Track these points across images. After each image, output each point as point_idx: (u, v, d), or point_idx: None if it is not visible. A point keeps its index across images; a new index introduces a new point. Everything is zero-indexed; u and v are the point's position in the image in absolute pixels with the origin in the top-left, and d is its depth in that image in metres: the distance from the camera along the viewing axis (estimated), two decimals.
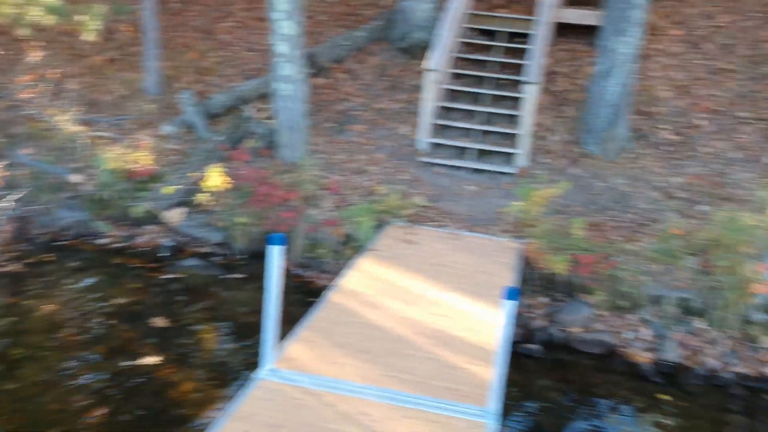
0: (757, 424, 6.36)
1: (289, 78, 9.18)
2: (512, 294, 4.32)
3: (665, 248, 7.91)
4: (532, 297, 7.88)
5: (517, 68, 10.98)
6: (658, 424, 6.15)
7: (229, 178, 8.59)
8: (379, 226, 8.30)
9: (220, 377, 6.19)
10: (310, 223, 8.33)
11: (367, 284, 6.52)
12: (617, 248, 7.98)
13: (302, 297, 7.81)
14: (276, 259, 4.42)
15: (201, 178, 8.78)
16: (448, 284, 6.68)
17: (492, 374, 4.55)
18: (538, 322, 7.55)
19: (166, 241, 8.76)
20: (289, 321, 6.71)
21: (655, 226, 8.58)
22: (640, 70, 11.03)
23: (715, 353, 7.26)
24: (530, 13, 11.54)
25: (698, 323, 7.53)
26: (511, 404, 6.25)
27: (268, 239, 4.63)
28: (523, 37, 11.24)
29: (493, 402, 4.57)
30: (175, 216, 8.61)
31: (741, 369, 7.10)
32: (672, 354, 7.20)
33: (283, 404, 4.49)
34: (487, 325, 5.90)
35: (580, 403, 6.36)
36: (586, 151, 10.02)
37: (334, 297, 6.17)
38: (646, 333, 7.46)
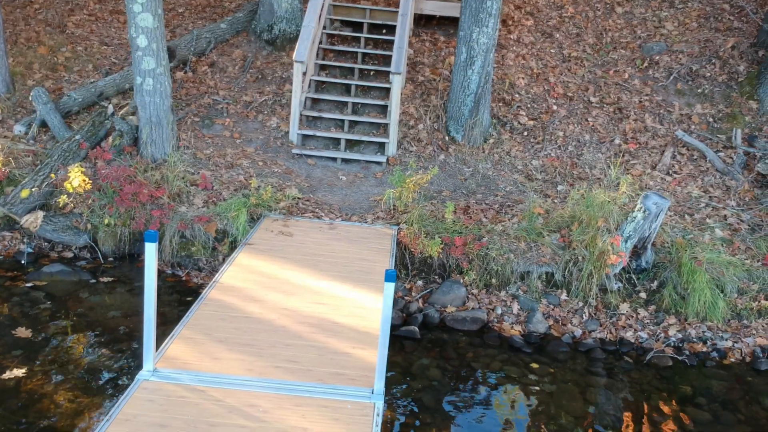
0: (617, 382, 6.91)
1: (150, 72, 8.85)
2: (391, 276, 4.44)
3: (529, 227, 8.38)
4: (409, 281, 8.12)
5: (382, 59, 11.20)
6: (531, 391, 6.54)
7: (90, 178, 8.19)
8: (254, 219, 8.22)
9: (94, 384, 5.92)
10: (181, 220, 8.10)
11: (246, 278, 6.45)
12: (486, 229, 8.36)
13: (178, 297, 7.60)
14: (152, 257, 4.29)
15: (60, 179, 8.31)
16: (327, 273, 6.74)
17: (375, 356, 4.65)
18: (416, 305, 7.78)
19: (25, 247, 8.22)
20: (166, 322, 6.55)
21: (519, 207, 9.06)
22: (498, 60, 11.58)
23: (577, 322, 7.80)
24: (393, 4, 11.80)
25: (562, 295, 8.06)
26: (394, 385, 6.43)
27: (144, 236, 4.47)
28: (387, 28, 11.47)
29: (378, 382, 4.68)
30: (33, 220, 8.09)
31: (601, 335, 7.68)
32: (540, 325, 7.65)
33: (167, 403, 4.37)
34: (368, 309, 6.02)
35: (459, 378, 6.64)
36: (453, 138, 10.39)
37: (212, 294, 6.06)
38: (515, 307, 7.88)
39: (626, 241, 7.90)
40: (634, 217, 7.88)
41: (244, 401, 4.47)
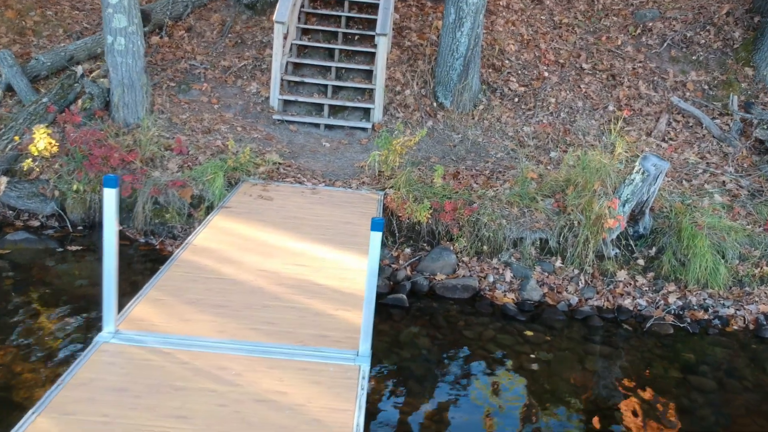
0: (617, 350, 6.54)
1: (122, 31, 8.33)
2: (377, 225, 4.02)
3: (522, 191, 7.98)
4: (396, 248, 7.70)
5: (367, 23, 10.72)
6: (526, 359, 6.16)
7: (58, 142, 7.69)
8: (232, 184, 7.76)
9: (57, 354, 5.46)
10: (154, 185, 7.62)
11: (221, 240, 6.01)
12: (477, 194, 7.95)
13: (151, 266, 7.13)
14: (111, 204, 3.84)
15: (25, 143, 7.80)
16: (309, 235, 6.31)
17: (360, 318, 4.24)
18: (403, 273, 7.37)
19: None
20: (137, 290, 6.08)
21: (510, 173, 8.66)
22: (487, 26, 11.14)
23: (573, 289, 7.43)
24: None
25: (557, 262, 7.68)
26: (381, 354, 6.02)
27: (102, 181, 4.02)
28: None
29: (364, 344, 4.27)
30: None
31: (598, 302, 7.31)
32: (534, 293, 7.27)
33: (129, 366, 3.94)
34: (352, 271, 5.60)
35: (450, 347, 6.24)
36: (441, 104, 9.96)
37: (184, 255, 5.61)
38: (508, 275, 7.49)
39: (624, 205, 7.52)
40: (632, 180, 7.49)
41: (215, 364, 4.05)
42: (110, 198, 3.91)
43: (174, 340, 4.27)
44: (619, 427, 5.29)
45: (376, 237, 4.04)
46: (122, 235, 7.76)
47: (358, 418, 3.68)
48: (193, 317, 4.58)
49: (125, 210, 7.85)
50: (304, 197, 7.46)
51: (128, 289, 5.89)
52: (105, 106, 8.80)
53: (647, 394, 5.82)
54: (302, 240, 6.19)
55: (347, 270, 5.62)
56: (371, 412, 5.19)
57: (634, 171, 7.50)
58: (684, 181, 8.88)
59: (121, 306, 4.49)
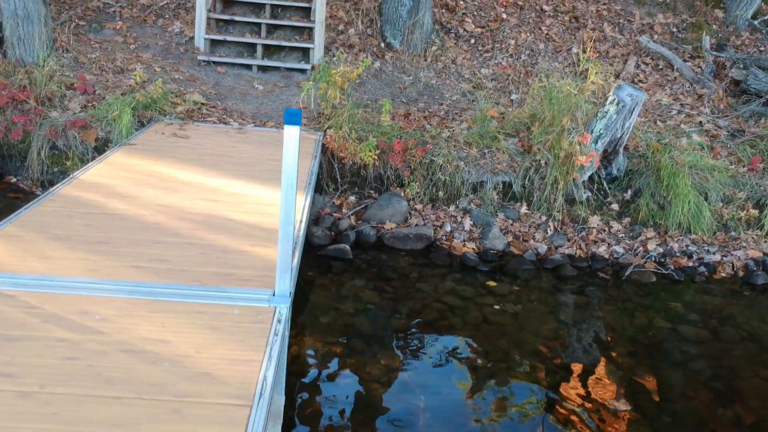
0: (593, 300, 5.64)
1: None
2: (294, 117, 2.98)
3: (482, 130, 7.01)
4: (339, 196, 6.67)
5: None
6: (491, 311, 5.20)
7: None
8: (143, 125, 6.61)
9: None
10: (51, 127, 6.43)
11: (117, 175, 4.89)
12: (430, 134, 6.95)
13: None
14: None
15: None
16: (229, 172, 5.23)
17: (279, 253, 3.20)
18: (347, 222, 6.34)
19: None
20: None
21: (467, 115, 7.69)
22: None
23: (541, 237, 6.50)
24: None
25: (522, 208, 6.74)
26: (317, 309, 4.99)
27: None
28: None
29: (281, 281, 3.23)
30: None
31: (569, 250, 6.40)
32: (497, 242, 6.32)
33: None
34: (277, 207, 4.54)
35: (401, 300, 5.25)
36: (389, 44, 8.92)
37: (64, 190, 4.48)
38: (467, 223, 6.52)
39: (596, 142, 6.61)
40: (606, 112, 6.59)
41: (75, 308, 2.96)
42: None
43: (24, 279, 3.16)
44: (601, 384, 4.37)
45: (292, 134, 3.00)
46: (15, 188, 6.57)
47: (267, 370, 2.65)
48: (56, 254, 3.47)
49: (18, 158, 6.65)
50: (228, 136, 6.36)
51: None
52: None
53: (632, 347, 4.91)
54: (219, 177, 5.11)
55: (270, 206, 4.56)
56: (298, 374, 4.16)
57: (608, 102, 6.59)
58: (659, 122, 8.03)
59: None
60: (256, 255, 3.73)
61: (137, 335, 2.80)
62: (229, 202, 4.55)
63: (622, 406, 4.14)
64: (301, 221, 4.28)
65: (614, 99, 6.52)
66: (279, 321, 3.05)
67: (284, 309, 3.15)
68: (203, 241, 3.85)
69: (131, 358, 2.63)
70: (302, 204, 4.57)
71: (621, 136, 6.75)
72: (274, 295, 3.26)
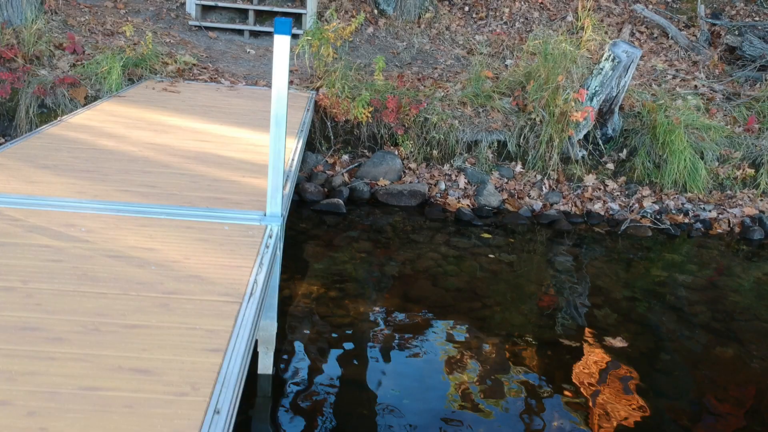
0: (590, 251, 5.59)
1: None
2: (283, 25, 2.90)
3: (477, 89, 6.95)
4: (332, 154, 6.59)
5: None
6: (486, 260, 5.14)
7: None
8: (133, 82, 6.52)
9: None
10: (39, 84, 6.32)
11: (105, 119, 4.80)
12: (424, 94, 6.88)
13: None
14: None
15: None
16: (218, 119, 5.15)
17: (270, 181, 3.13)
18: (340, 179, 6.27)
19: None
20: None
21: (462, 77, 7.62)
22: None
23: (536, 194, 6.44)
24: None
25: (517, 167, 6.68)
26: (310, 257, 4.93)
27: None
28: None
29: (272, 203, 3.16)
30: None
31: (565, 207, 6.35)
32: (492, 198, 6.26)
33: None
34: (267, 147, 4.45)
35: (395, 249, 5.18)
36: (382, 10, 8.83)
37: (52, 130, 4.39)
38: (462, 181, 6.46)
39: (592, 99, 6.56)
40: (601, 69, 6.53)
41: (60, 221, 2.89)
42: None
43: (6, 198, 3.08)
44: (597, 324, 4.31)
45: (282, 44, 2.92)
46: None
47: (257, 274, 2.58)
48: (42, 179, 3.39)
49: (6, 117, 6.55)
50: (220, 92, 6.28)
51: None
52: None
53: (628, 292, 4.86)
54: (209, 123, 5.02)
55: (260, 146, 4.48)
56: (292, 314, 4.09)
57: (603, 58, 6.54)
58: (654, 85, 7.97)
59: None
60: (247, 184, 3.66)
61: (124, 244, 2.72)
62: (219, 143, 4.48)
63: (619, 343, 4.09)
64: (292, 159, 4.21)
65: (610, 55, 6.47)
66: (270, 236, 2.98)
67: (275, 227, 3.08)
68: (193, 172, 3.77)
69: (117, 262, 2.55)
70: (294, 145, 4.50)
71: (616, 95, 6.70)
72: (265, 215, 3.18)
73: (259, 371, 3.36)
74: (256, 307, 2.35)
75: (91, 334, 2.05)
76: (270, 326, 3.27)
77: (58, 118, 4.75)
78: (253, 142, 4.55)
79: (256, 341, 3.31)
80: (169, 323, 2.16)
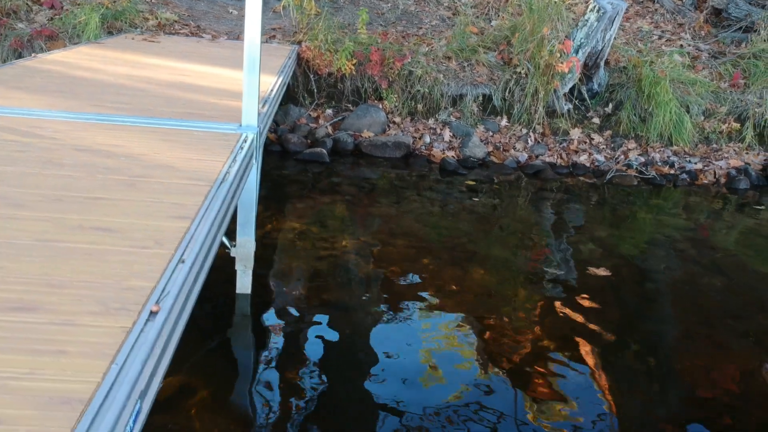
0: (576, 197, 5.55)
1: None
2: None
3: (462, 44, 6.88)
4: (316, 109, 6.51)
5: None
6: (472, 203, 5.08)
7: None
8: (112, 35, 6.40)
9: None
10: (16, 37, 6.21)
11: (81, 58, 4.70)
12: (408, 48, 6.81)
13: None
14: None
15: None
16: (198, 62, 5.05)
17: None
18: (324, 131, 6.19)
19: None
20: None
21: (447, 34, 7.54)
22: None
23: (522, 147, 6.39)
24: None
25: (502, 122, 6.62)
26: (294, 197, 4.85)
27: None
28: None
29: (248, 112, 3.07)
30: None
31: (551, 159, 6.30)
32: (477, 150, 6.20)
33: None
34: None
35: (379, 195, 5.11)
36: None
37: (24, 63, 4.29)
38: (447, 134, 6.40)
39: (577, 51, 6.51)
40: (586, 20, 6.48)
41: (27, 124, 2.80)
42: None
43: None
44: (583, 258, 4.26)
45: None
46: None
47: (230, 167, 2.51)
48: (15, 96, 3.30)
49: None
50: (201, 44, 6.18)
51: None
52: None
53: (614, 230, 4.82)
54: (188, 63, 4.93)
55: (240, 80, 4.38)
56: (274, 246, 4.02)
57: (588, 10, 6.49)
58: (640, 44, 7.93)
59: None
60: (224, 105, 3.58)
61: (92, 141, 2.64)
62: (198, 76, 4.40)
63: (603, 272, 4.04)
64: (272, 90, 4.12)
65: (595, 6, 6.42)
66: (245, 141, 2.90)
67: (251, 134, 3.00)
68: (169, 95, 3.69)
69: (85, 154, 2.47)
70: (273, 80, 4.41)
71: (602, 49, 6.65)
72: (241, 125, 3.11)
73: (238, 290, 3.29)
74: (227, 192, 2.28)
75: (53, 203, 1.98)
76: (248, 243, 3.20)
77: (33, 55, 4.64)
78: (232, 77, 4.47)
79: (234, 259, 3.24)
80: (136, 198, 2.08)
